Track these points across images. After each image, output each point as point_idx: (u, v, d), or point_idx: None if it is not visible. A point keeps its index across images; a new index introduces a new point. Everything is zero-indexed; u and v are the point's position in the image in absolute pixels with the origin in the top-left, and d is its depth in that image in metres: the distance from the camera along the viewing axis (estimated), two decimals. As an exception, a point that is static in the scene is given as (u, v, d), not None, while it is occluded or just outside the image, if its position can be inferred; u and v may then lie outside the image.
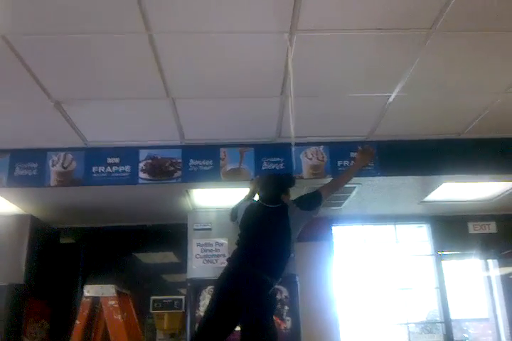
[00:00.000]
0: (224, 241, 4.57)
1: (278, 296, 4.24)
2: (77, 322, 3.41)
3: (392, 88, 3.40)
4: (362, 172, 4.16)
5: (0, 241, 4.65)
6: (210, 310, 3.06)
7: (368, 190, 4.54)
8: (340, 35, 2.77)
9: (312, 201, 3.37)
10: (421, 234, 5.71)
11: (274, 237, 3.20)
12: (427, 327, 5.80)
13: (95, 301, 3.49)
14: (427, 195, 4.84)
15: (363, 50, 2.93)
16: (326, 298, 5.11)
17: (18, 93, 3.31)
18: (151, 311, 4.56)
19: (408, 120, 3.94)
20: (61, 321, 4.98)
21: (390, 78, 3.28)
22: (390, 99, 3.55)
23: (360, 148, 3.94)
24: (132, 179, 4.14)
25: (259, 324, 2.97)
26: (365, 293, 5.49)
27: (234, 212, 3.55)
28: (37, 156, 4.12)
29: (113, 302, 3.39)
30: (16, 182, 4.10)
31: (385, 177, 4.27)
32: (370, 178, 4.25)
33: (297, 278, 4.37)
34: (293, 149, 2.97)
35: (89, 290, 3.43)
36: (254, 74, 3.17)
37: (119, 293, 3.49)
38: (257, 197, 3.56)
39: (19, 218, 4.74)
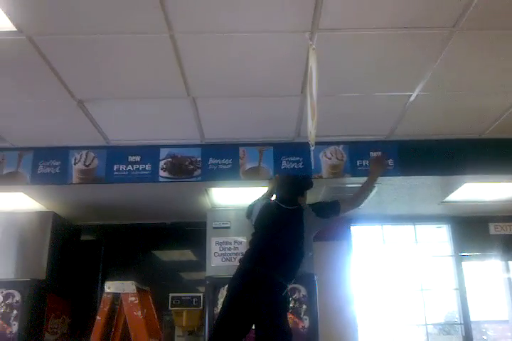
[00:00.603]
0: (242, 239, 4.58)
1: (296, 295, 4.26)
2: (98, 317, 3.46)
3: (413, 87, 3.38)
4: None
5: (23, 238, 4.73)
6: (223, 311, 3.07)
7: (387, 189, 4.51)
8: (361, 33, 2.76)
9: (330, 211, 3.37)
10: (441, 235, 5.66)
11: (287, 238, 3.20)
12: (445, 328, 5.74)
13: (116, 297, 3.54)
14: (447, 196, 4.79)
15: (384, 48, 2.92)
16: (344, 298, 5.10)
17: (42, 92, 3.38)
18: (170, 308, 4.61)
19: (429, 119, 3.90)
20: (82, 317, 5.05)
21: (412, 77, 3.25)
22: (411, 99, 3.53)
23: (371, 158, 3.92)
24: (153, 177, 4.19)
25: (273, 324, 2.99)
26: (384, 293, 5.46)
27: (250, 210, 3.56)
28: (59, 154, 4.20)
29: (133, 299, 3.43)
30: (39, 179, 4.19)
31: (404, 177, 4.24)
32: (390, 178, 4.22)
33: (315, 278, 4.36)
34: (312, 148, 2.95)
35: (110, 287, 3.47)
36: (274, 73, 3.18)
37: (139, 289, 3.53)
38: (273, 197, 3.57)
39: (42, 215, 4.81)
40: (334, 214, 3.37)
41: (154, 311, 3.84)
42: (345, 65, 3.09)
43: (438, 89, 3.41)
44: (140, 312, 3.42)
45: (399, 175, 4.19)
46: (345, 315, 5.02)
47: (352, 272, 5.29)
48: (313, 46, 2.39)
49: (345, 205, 3.41)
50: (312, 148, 2.90)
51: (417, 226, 5.62)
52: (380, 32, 2.75)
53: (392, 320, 5.40)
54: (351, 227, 5.51)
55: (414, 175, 4.22)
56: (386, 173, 4.09)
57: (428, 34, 2.77)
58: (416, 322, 5.45)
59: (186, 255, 6.24)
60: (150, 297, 3.85)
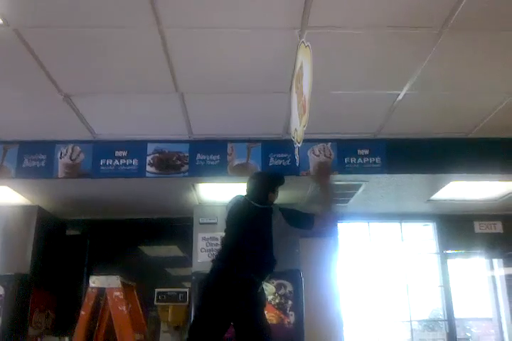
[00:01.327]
0: (229, 235, 4.58)
1: (282, 291, 4.29)
2: (83, 312, 3.44)
3: (401, 86, 3.39)
4: (369, 169, 4.19)
5: (7, 232, 4.69)
6: (199, 312, 3.04)
7: (374, 187, 4.54)
8: (350, 32, 2.76)
9: (303, 223, 3.15)
10: (427, 233, 5.71)
11: (257, 236, 3.11)
12: (430, 324, 5.81)
13: (100, 292, 3.52)
14: (433, 194, 4.83)
15: (373, 47, 2.92)
16: (330, 294, 5.13)
17: (29, 85, 3.33)
18: (156, 303, 4.59)
19: (417, 118, 3.92)
20: (66, 311, 5.03)
21: (400, 76, 3.26)
22: (400, 97, 3.54)
23: (314, 167, 3.82)
24: (139, 172, 4.17)
25: (251, 322, 2.97)
26: (369, 290, 5.50)
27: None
28: (45, 148, 4.16)
29: (118, 293, 3.41)
30: (24, 173, 4.14)
31: (392, 175, 4.27)
32: (377, 176, 4.25)
33: (301, 274, 4.38)
34: (297, 145, 2.92)
35: (95, 281, 3.45)
36: (263, 70, 3.17)
37: (124, 284, 3.51)
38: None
39: (26, 209, 4.77)
40: (307, 227, 3.14)
41: (139, 306, 3.82)
42: (333, 63, 3.08)
43: (426, 89, 3.43)
44: (125, 307, 3.41)
45: (386, 173, 4.22)
46: (330, 312, 5.05)
47: (338, 269, 5.31)
48: (307, 43, 2.37)
49: (318, 221, 3.14)
50: (298, 145, 2.88)
51: (403, 223, 5.66)
52: (369, 31, 2.75)
53: (377, 316, 5.45)
54: (338, 224, 5.53)
55: (401, 173, 4.24)
56: (373, 171, 4.12)
57: (417, 34, 2.77)
58: (401, 318, 5.49)
59: (173, 250, 6.23)
60: (135, 292, 3.84)
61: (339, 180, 4.31)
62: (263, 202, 3.20)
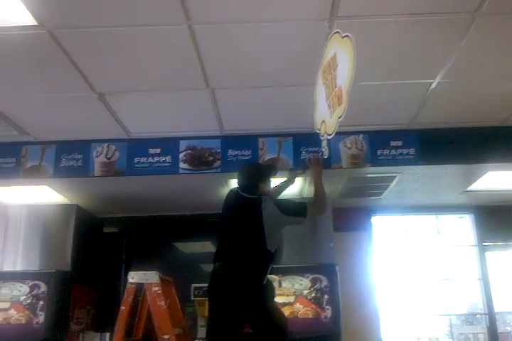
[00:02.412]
0: (263, 230, 4.60)
1: (318, 285, 4.28)
2: (122, 307, 3.50)
3: (434, 74, 3.33)
4: (402, 161, 4.13)
5: (47, 230, 4.82)
6: (211, 315, 3.01)
7: (408, 179, 4.48)
8: (380, 20, 2.73)
9: (295, 210, 3.17)
10: (463, 225, 5.60)
11: (248, 228, 3.08)
12: (469, 318, 5.69)
13: (139, 287, 3.57)
14: (470, 185, 4.72)
15: (403, 35, 2.88)
16: (366, 288, 5.11)
17: (64, 86, 3.42)
18: (193, 298, 4.66)
19: (451, 107, 3.85)
20: (105, 308, 5.14)
21: (433, 64, 3.21)
22: (433, 86, 3.48)
23: (307, 160, 3.79)
24: (173, 169, 4.23)
25: (264, 315, 2.94)
26: (406, 284, 5.43)
27: None
28: (81, 147, 4.27)
29: (156, 289, 3.46)
30: (62, 172, 4.26)
31: (426, 166, 4.20)
32: (411, 167, 4.20)
33: (336, 268, 4.36)
34: (324, 138, 2.89)
35: (134, 277, 3.51)
36: (293, 62, 3.16)
37: (162, 279, 3.56)
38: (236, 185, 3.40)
39: (65, 208, 4.89)
40: (300, 214, 3.16)
41: (177, 301, 3.87)
42: (364, 52, 3.04)
43: (460, 76, 3.36)
44: (164, 301, 3.45)
45: (420, 164, 4.15)
46: (367, 305, 5.03)
47: (374, 263, 5.27)
48: (345, 34, 2.34)
49: (312, 209, 3.21)
50: (328, 137, 2.84)
51: (439, 216, 5.56)
52: (400, 18, 2.71)
53: (415, 310, 5.37)
54: (372, 218, 5.48)
55: (435, 164, 4.17)
56: (407, 162, 4.06)
57: (449, 20, 2.72)
58: (439, 312, 5.41)
59: (207, 246, 6.29)
60: (173, 287, 3.89)
61: (372, 172, 4.28)
62: (252, 192, 3.16)
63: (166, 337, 3.36)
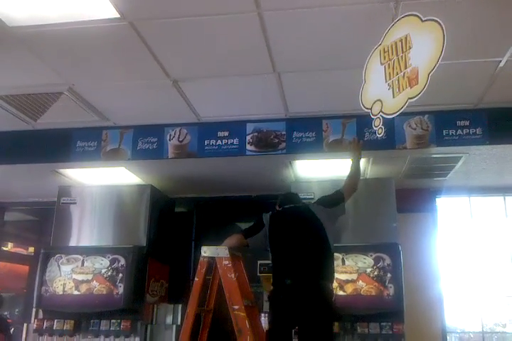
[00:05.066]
0: (326, 210, 4.69)
1: (380, 264, 4.33)
2: (196, 279, 3.71)
3: (503, 52, 3.28)
4: (469, 141, 4.10)
5: (124, 209, 5.10)
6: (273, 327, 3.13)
7: (475, 159, 4.42)
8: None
9: (333, 197, 3.40)
10: (533, 207, 5.44)
11: (312, 238, 3.16)
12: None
13: (211, 261, 3.77)
14: (541, 165, 4.59)
15: (470, 13, 2.86)
16: (430, 271, 5.09)
17: (141, 74, 3.68)
18: (259, 274, 4.85)
19: (520, 86, 3.76)
20: (177, 281, 5.42)
21: (501, 42, 3.17)
22: (501, 64, 3.42)
23: (347, 142, 3.90)
24: (240, 151, 4.42)
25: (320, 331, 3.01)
26: (472, 267, 5.36)
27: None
28: (156, 131, 4.54)
29: (227, 262, 3.62)
30: (138, 155, 4.57)
31: (493, 146, 4.14)
32: (478, 147, 4.14)
33: (400, 247, 4.40)
34: (375, 117, 2.92)
35: (206, 251, 3.69)
36: (358, 45, 3.21)
37: (232, 254, 3.74)
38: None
39: (140, 188, 5.15)
40: (340, 201, 3.36)
41: (246, 275, 4.07)
42: (430, 32, 3.06)
43: (530, 54, 3.29)
44: (233, 274, 3.62)
45: (488, 144, 4.09)
46: (431, 288, 5.01)
47: (438, 244, 5.24)
48: (427, 17, 2.39)
49: (346, 192, 3.41)
50: (385, 116, 2.86)
51: (506, 197, 5.43)
52: (467, -3, 2.71)
53: (480, 295, 5.30)
54: (437, 199, 5.43)
55: (504, 144, 4.10)
56: (474, 142, 4.02)
57: (519, -5, 2.69)
58: (506, 297, 5.31)
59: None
60: (242, 262, 4.08)
61: (437, 153, 4.26)
62: (296, 200, 3.42)
63: (236, 307, 3.54)
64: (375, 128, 3.28)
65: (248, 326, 3.31)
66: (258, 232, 3.41)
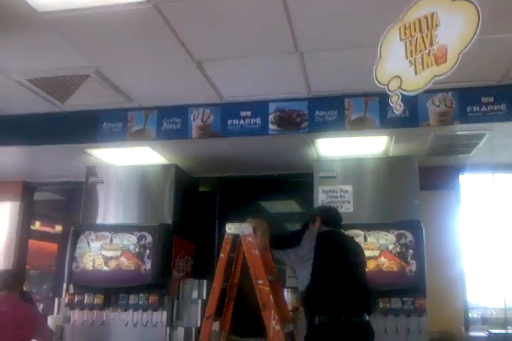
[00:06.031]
0: (348, 188, 4.74)
1: (402, 240, 4.37)
2: (221, 255, 3.82)
3: (529, 28, 3.23)
4: (493, 117, 4.06)
5: (150, 188, 5.20)
6: None
7: (499, 136, 4.38)
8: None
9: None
10: (558, 184, 5.37)
11: (358, 268, 3.20)
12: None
13: (235, 238, 3.87)
14: None
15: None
16: (452, 248, 5.10)
17: (166, 55, 3.73)
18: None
19: (548, 61, 3.70)
20: (202, 258, 5.56)
21: (528, 17, 3.11)
22: (527, 40, 3.38)
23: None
24: (263, 130, 4.47)
25: None
26: (495, 246, 5.35)
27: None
28: (180, 112, 4.62)
29: (251, 239, 3.71)
30: (163, 135, 4.66)
31: (518, 123, 4.10)
32: (502, 124, 4.11)
33: (422, 224, 4.42)
34: (392, 94, 2.89)
35: (231, 228, 3.78)
36: (381, 23, 3.19)
37: (255, 231, 3.85)
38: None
39: (165, 168, 5.24)
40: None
41: (269, 253, 4.17)
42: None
43: (558, 28, 3.23)
44: (257, 250, 3.73)
45: (512, 121, 4.07)
46: (453, 266, 5.02)
47: (461, 222, 5.24)
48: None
49: None
50: (404, 93, 2.85)
51: (531, 174, 5.38)
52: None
53: (504, 274, 5.29)
54: (460, 176, 5.41)
55: (529, 120, 4.06)
56: (497, 118, 3.99)
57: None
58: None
59: (291, 205, 6.56)
60: (264, 239, 4.17)
61: (461, 129, 4.25)
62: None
63: (261, 281, 3.65)
64: (392, 105, 3.29)
65: (272, 300, 3.42)
66: (289, 248, 3.38)
